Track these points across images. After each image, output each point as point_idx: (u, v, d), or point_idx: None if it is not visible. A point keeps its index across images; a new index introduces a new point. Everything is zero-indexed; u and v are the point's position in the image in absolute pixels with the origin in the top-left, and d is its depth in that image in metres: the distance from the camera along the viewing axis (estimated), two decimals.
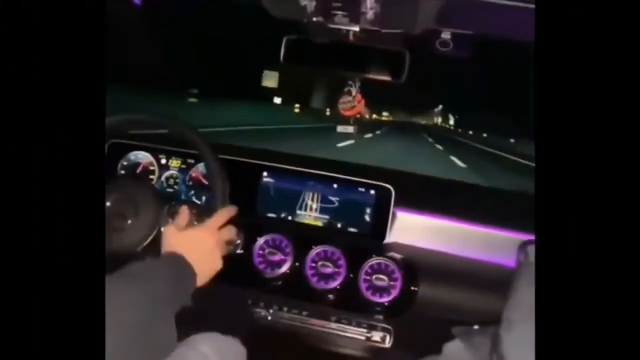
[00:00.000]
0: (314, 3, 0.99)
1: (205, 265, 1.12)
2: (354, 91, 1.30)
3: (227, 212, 1.24)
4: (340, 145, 9.68)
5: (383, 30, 1.10)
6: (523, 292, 0.74)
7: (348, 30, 1.14)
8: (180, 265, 1.07)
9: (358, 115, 1.37)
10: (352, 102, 1.32)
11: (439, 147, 17.26)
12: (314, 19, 1.07)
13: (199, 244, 1.14)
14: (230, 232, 1.25)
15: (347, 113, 1.35)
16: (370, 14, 0.99)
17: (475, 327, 0.87)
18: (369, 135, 16.73)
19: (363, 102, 1.33)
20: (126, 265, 0.97)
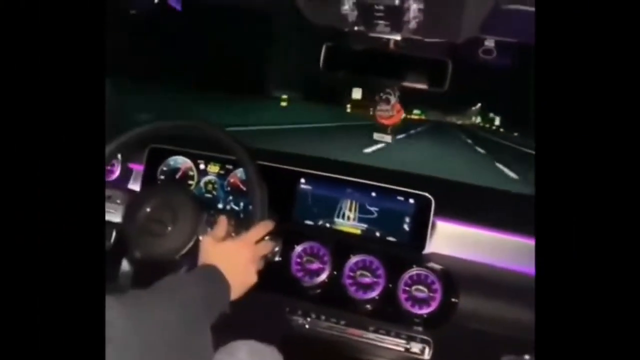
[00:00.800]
0: (355, 12, 0.98)
1: (240, 279, 1.13)
2: (392, 100, 1.28)
3: (264, 226, 1.24)
4: (367, 150, 9.37)
5: (426, 40, 1.08)
6: None
7: (389, 39, 1.13)
8: (215, 279, 1.08)
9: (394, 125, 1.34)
10: (391, 112, 1.30)
11: (481, 150, 16.51)
12: (355, 27, 1.06)
13: (235, 258, 1.14)
14: (267, 246, 1.26)
15: (385, 122, 1.33)
16: (413, 23, 0.98)
17: (526, 357, 0.84)
18: (401, 135, 15.83)
19: (402, 112, 1.31)
20: (161, 279, 0.99)
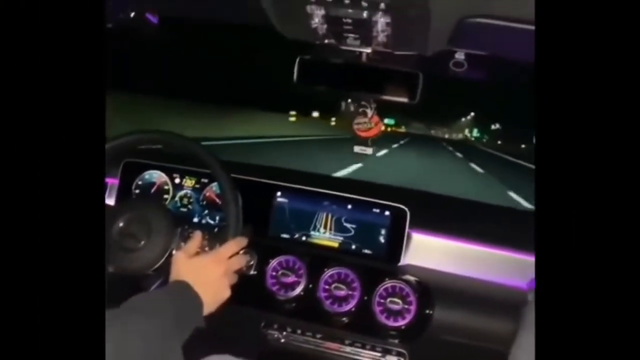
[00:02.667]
0: (325, 26, 0.99)
1: (212, 293, 1.13)
2: (369, 112, 1.28)
3: (238, 242, 1.24)
4: (340, 174, 8.58)
5: (396, 52, 1.09)
6: (528, 335, 0.72)
7: (361, 52, 1.14)
8: (186, 295, 1.07)
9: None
10: (369, 124, 1.30)
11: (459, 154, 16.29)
12: (326, 40, 1.07)
13: (208, 273, 1.14)
14: (241, 260, 1.26)
15: (363, 134, 1.33)
16: (381, 37, 0.99)
17: None
18: (383, 152, 14.61)
19: (380, 124, 1.31)
20: (130, 298, 0.98)
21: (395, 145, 20.18)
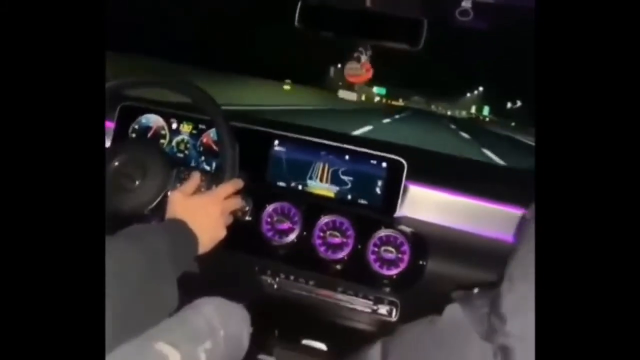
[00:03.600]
0: None
1: (208, 233, 1.13)
2: (363, 58, 1.27)
3: (234, 183, 1.24)
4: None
5: None
6: (525, 250, 0.73)
7: None
8: (181, 231, 1.07)
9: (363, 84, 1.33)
10: (360, 70, 1.29)
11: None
12: None
13: (204, 212, 1.14)
14: (237, 202, 1.26)
15: (352, 80, 1.32)
16: None
17: (475, 290, 0.86)
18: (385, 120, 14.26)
19: (372, 71, 1.30)
20: (127, 227, 0.98)
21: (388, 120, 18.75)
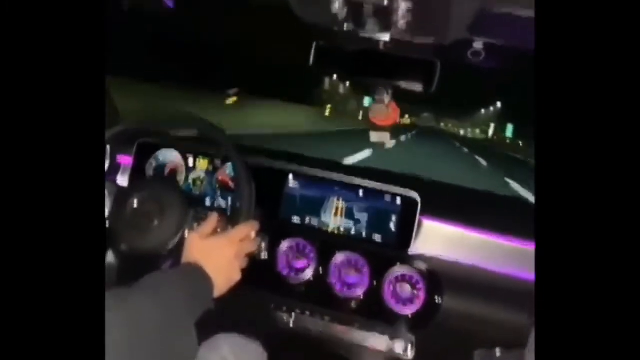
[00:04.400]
0: (345, 9, 0.99)
1: (224, 276, 1.14)
2: (386, 99, 1.27)
3: (250, 226, 1.26)
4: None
5: (415, 40, 1.09)
6: None
7: (378, 40, 1.14)
8: (198, 277, 1.09)
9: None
10: (386, 111, 1.28)
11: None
12: (345, 26, 1.07)
13: (220, 255, 1.15)
14: (252, 244, 1.27)
15: (381, 123, 1.29)
16: (401, 23, 0.98)
17: (498, 352, 0.86)
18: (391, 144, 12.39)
19: (398, 110, 1.29)
20: (144, 277, 0.99)
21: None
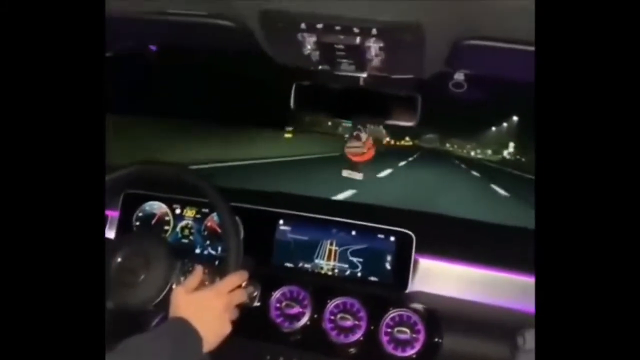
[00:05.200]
0: (317, 52, 0.96)
1: (213, 330, 1.10)
2: (363, 137, 1.24)
3: (238, 276, 1.22)
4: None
5: (392, 76, 1.06)
6: None
7: (358, 77, 1.11)
8: (185, 333, 1.05)
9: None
10: (362, 148, 1.26)
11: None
12: (320, 67, 1.04)
13: (208, 309, 1.11)
14: (242, 295, 1.23)
15: (356, 159, 1.27)
16: (376, 61, 0.96)
17: None
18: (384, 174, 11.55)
19: (373, 149, 1.27)
20: (126, 340, 0.95)
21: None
